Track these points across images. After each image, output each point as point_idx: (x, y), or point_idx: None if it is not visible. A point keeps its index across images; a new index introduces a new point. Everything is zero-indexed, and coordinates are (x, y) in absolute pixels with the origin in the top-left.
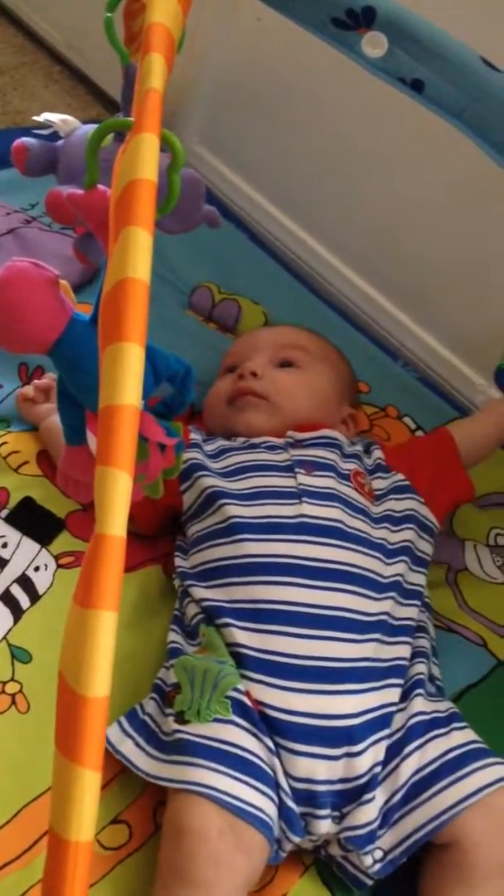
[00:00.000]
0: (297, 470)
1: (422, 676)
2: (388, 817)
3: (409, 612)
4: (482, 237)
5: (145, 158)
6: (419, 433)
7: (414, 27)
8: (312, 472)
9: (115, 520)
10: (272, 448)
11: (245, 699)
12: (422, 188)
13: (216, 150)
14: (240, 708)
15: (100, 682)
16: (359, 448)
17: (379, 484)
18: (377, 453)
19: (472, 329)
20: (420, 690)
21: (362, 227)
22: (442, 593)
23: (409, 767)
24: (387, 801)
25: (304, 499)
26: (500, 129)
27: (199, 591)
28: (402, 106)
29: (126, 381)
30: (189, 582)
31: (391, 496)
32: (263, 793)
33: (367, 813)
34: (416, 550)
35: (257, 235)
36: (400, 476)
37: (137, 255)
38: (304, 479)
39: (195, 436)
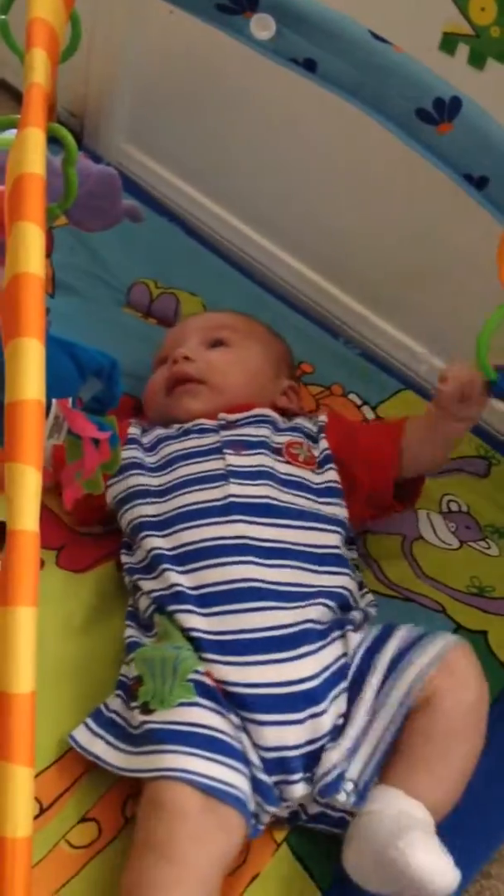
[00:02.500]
0: (225, 451)
1: (353, 616)
2: (354, 749)
3: (337, 580)
4: (406, 200)
5: (31, 153)
6: (365, 408)
7: (299, 6)
8: (241, 452)
9: (27, 515)
10: (204, 431)
11: (206, 679)
12: (346, 161)
13: (144, 146)
14: (202, 689)
15: (23, 679)
16: (299, 421)
17: (321, 449)
18: (321, 419)
19: (411, 299)
20: (349, 627)
21: (294, 209)
22: (398, 564)
23: (367, 698)
24: (356, 738)
25: (232, 479)
26: (396, 102)
27: (147, 584)
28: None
29: (27, 375)
30: (137, 576)
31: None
32: (236, 769)
33: (333, 757)
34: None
35: (192, 227)
36: (326, 444)
37: (28, 249)
38: (233, 460)
39: (134, 430)
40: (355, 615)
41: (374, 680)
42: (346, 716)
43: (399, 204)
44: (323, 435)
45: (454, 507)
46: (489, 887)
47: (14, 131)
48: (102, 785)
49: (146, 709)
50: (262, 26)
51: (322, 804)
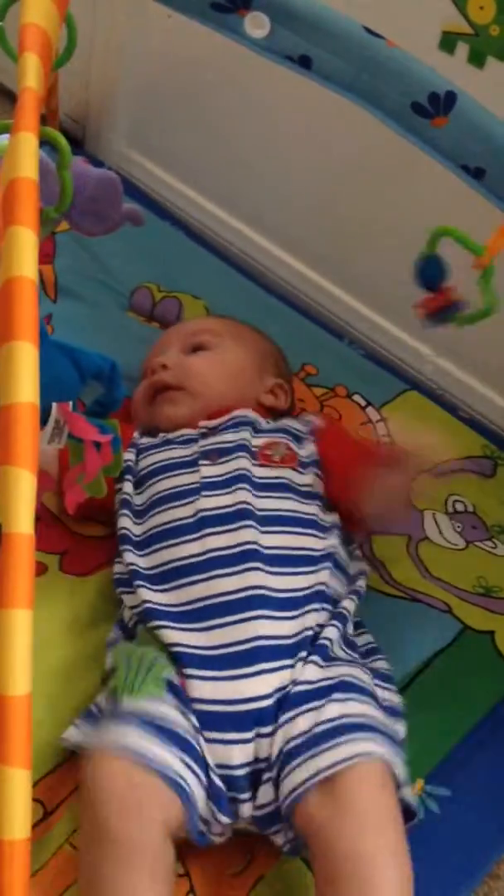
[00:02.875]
0: (200, 462)
1: (326, 642)
2: (275, 795)
3: (310, 581)
4: (413, 207)
5: (23, 157)
6: (370, 410)
7: (292, 3)
8: (217, 461)
9: (21, 517)
10: (186, 442)
11: (177, 682)
12: (353, 164)
13: (145, 150)
14: (172, 689)
15: (19, 681)
16: (286, 422)
17: (307, 450)
18: (310, 419)
19: (414, 299)
20: (316, 658)
21: (296, 211)
22: (404, 565)
23: (281, 738)
24: (275, 779)
25: (203, 493)
26: (391, 95)
27: (128, 599)
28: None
29: (21, 379)
30: (120, 589)
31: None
32: (186, 764)
33: (267, 793)
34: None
35: (194, 231)
36: (314, 448)
37: (22, 253)
38: (208, 471)
39: (136, 435)
40: (331, 633)
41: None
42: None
43: (402, 204)
44: (312, 438)
45: (460, 507)
46: (497, 888)
47: (6, 136)
48: None
49: (114, 696)
50: (257, 24)
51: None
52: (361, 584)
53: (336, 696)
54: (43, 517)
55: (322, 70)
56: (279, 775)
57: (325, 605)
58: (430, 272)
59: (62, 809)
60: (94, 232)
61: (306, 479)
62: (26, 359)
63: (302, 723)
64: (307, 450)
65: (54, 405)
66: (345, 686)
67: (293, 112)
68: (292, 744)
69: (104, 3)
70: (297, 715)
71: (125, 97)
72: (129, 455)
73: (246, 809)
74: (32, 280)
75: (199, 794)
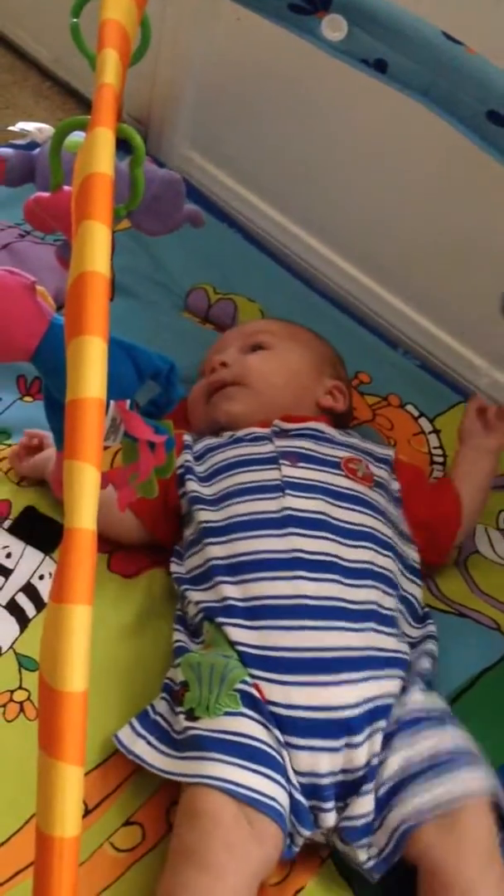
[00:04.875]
0: (281, 462)
1: (424, 672)
2: (378, 811)
3: (391, 602)
4: (477, 219)
5: (100, 153)
6: (422, 420)
7: (372, 6)
8: (297, 464)
9: (84, 513)
10: (256, 440)
11: (254, 691)
12: (415, 175)
13: (207, 152)
14: (249, 700)
15: (76, 677)
16: (357, 441)
17: (381, 473)
18: (390, 451)
19: (472, 312)
20: (421, 685)
21: (355, 218)
22: (452, 578)
23: (396, 761)
24: (376, 794)
25: (288, 491)
26: (467, 103)
27: (195, 595)
28: (389, 91)
29: (88, 374)
30: (185, 587)
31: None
32: (277, 782)
33: (363, 805)
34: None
35: (252, 234)
36: (397, 486)
37: (95, 248)
38: (289, 471)
39: (186, 438)
40: (424, 665)
41: (398, 760)
42: (382, 760)
43: (466, 217)
44: (386, 467)
45: None
46: None
47: (81, 134)
48: (147, 790)
49: (191, 715)
50: (334, 27)
51: (343, 842)
52: (432, 627)
53: (448, 725)
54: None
55: (397, 74)
56: (390, 794)
57: (412, 625)
58: None
59: (103, 808)
60: (155, 231)
61: (381, 499)
62: (95, 354)
63: (419, 748)
64: (382, 473)
65: (111, 403)
66: (451, 716)
67: (357, 120)
68: (412, 768)
69: (174, 4)
70: (418, 737)
71: (189, 99)
72: (185, 456)
73: (329, 819)
74: (105, 275)
75: (286, 810)
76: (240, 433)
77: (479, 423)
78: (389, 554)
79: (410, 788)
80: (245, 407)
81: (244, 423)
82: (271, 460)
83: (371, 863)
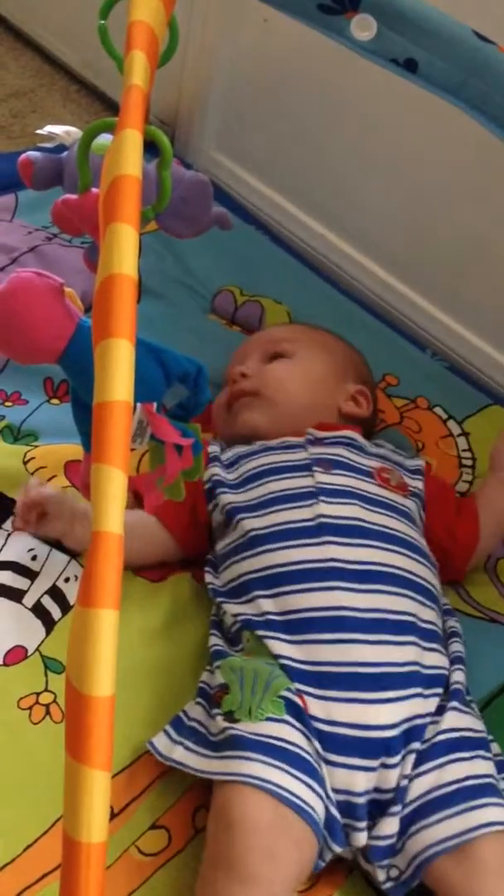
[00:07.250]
0: (314, 468)
1: (460, 686)
2: (400, 834)
3: (431, 615)
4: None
5: (128, 155)
6: (451, 423)
7: (401, 6)
8: (330, 470)
9: (112, 516)
10: (289, 448)
11: (298, 700)
12: (445, 176)
13: (232, 153)
14: (294, 709)
15: (103, 682)
16: (387, 452)
17: (417, 484)
18: (420, 462)
19: (502, 314)
20: (455, 703)
21: (383, 219)
22: (482, 583)
23: (422, 785)
24: (401, 815)
25: (322, 497)
26: (499, 102)
27: (233, 608)
28: (416, 92)
29: (116, 377)
30: (220, 599)
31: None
32: (316, 793)
33: (390, 826)
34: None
35: (279, 236)
36: (422, 487)
37: (122, 250)
38: (322, 478)
39: (214, 447)
40: (458, 678)
41: (427, 781)
42: (410, 780)
43: (496, 219)
44: (421, 478)
45: None
46: None
47: (108, 136)
48: (174, 793)
49: (230, 717)
50: (363, 27)
51: (366, 860)
52: (454, 623)
53: (478, 752)
54: None
55: (428, 74)
56: (412, 818)
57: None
58: None
59: (129, 811)
60: (182, 234)
61: (414, 508)
62: (122, 356)
63: (445, 775)
64: (418, 484)
65: (139, 405)
66: (484, 743)
67: (387, 120)
68: (435, 794)
69: (200, 6)
70: (446, 763)
71: (215, 101)
72: (213, 469)
73: (360, 838)
74: (132, 278)
75: (322, 821)
76: (270, 442)
77: None
78: (426, 563)
79: (433, 816)
80: (264, 417)
81: (265, 433)
82: (304, 467)
83: (389, 884)
